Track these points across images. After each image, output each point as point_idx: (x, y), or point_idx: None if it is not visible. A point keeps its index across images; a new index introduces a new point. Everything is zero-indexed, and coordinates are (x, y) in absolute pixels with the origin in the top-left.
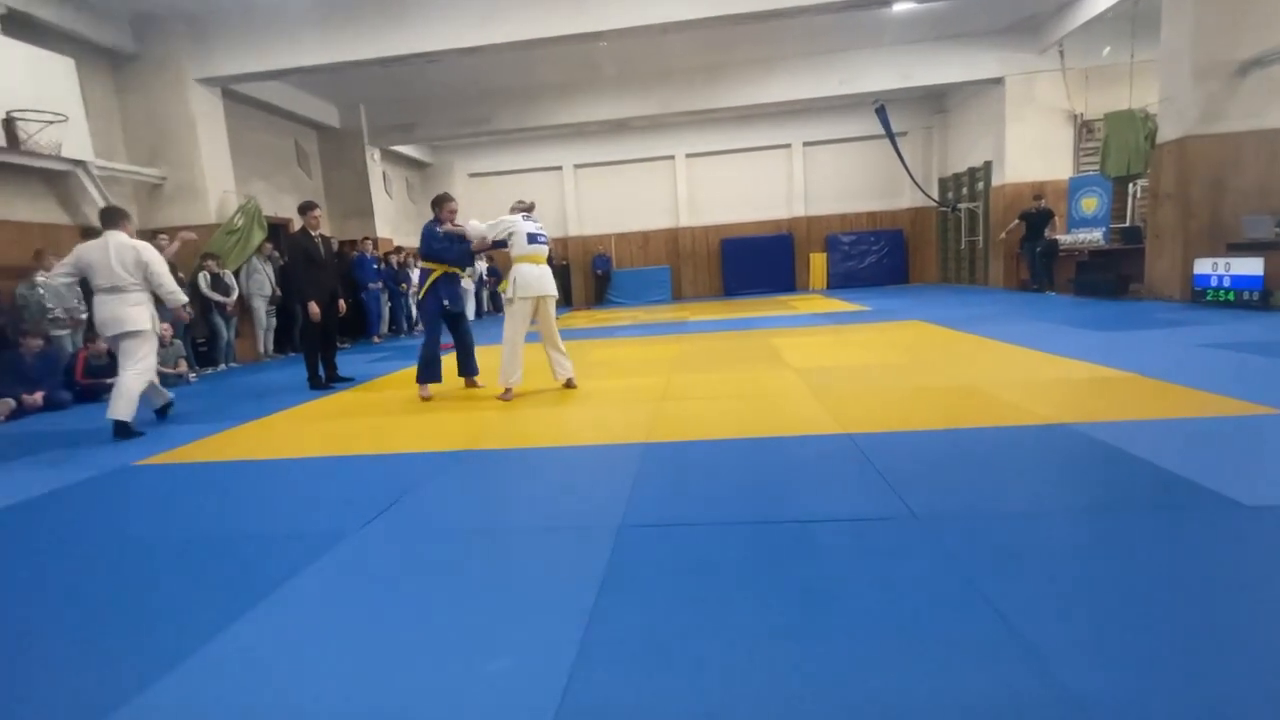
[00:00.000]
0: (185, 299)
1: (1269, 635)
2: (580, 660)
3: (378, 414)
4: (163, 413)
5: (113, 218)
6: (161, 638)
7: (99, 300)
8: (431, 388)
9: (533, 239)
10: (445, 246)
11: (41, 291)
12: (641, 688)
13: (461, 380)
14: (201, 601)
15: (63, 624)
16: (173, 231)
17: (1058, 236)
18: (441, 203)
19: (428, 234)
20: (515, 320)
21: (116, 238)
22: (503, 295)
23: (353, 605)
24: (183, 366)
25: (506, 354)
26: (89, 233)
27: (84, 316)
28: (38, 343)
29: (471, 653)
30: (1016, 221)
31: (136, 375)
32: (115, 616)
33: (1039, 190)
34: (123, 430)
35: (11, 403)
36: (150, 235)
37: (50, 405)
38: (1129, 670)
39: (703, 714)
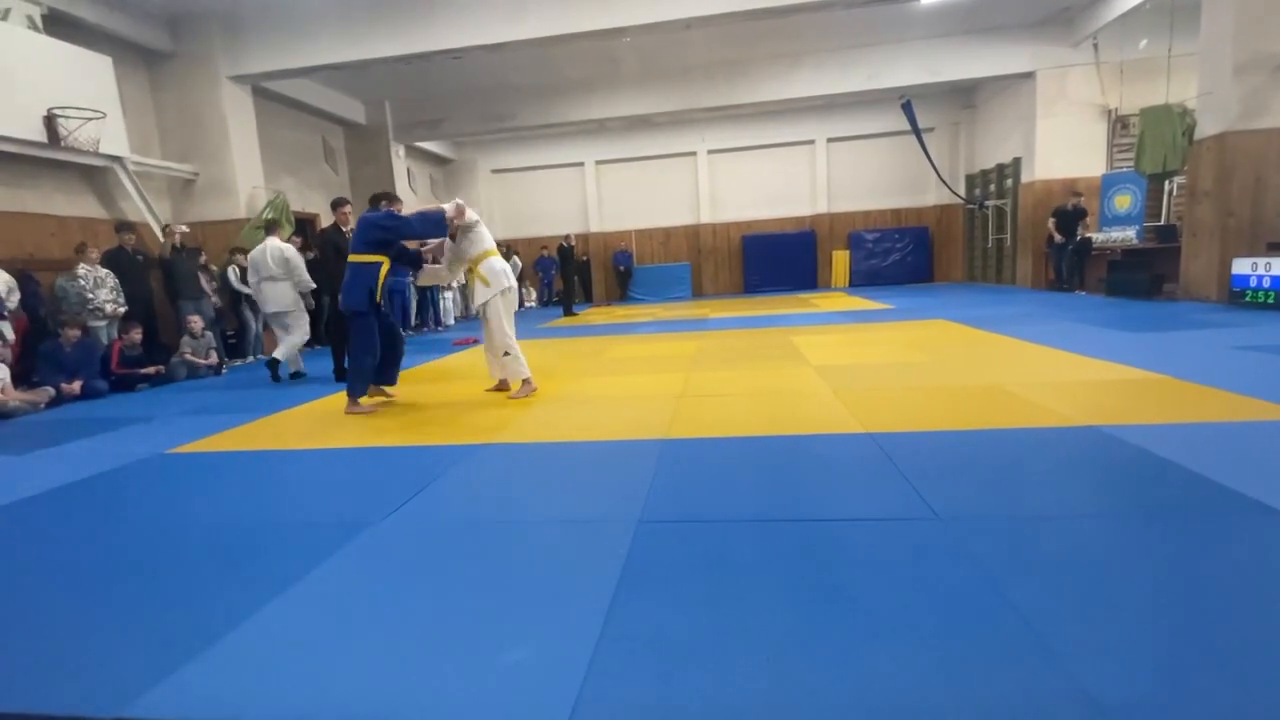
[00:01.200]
0: (313, 286)
1: None
2: (598, 654)
3: (400, 406)
4: (296, 376)
5: (270, 228)
6: (189, 623)
7: (263, 286)
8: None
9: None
10: (397, 231)
11: (82, 283)
12: (659, 684)
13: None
14: (227, 589)
15: (94, 606)
16: (196, 226)
17: (1090, 235)
18: (391, 200)
19: (376, 221)
20: (507, 313)
21: (272, 241)
22: (470, 292)
23: (373, 595)
24: (214, 358)
25: (512, 349)
26: (123, 227)
27: (123, 309)
28: (75, 333)
29: (490, 645)
30: (1053, 220)
31: (298, 338)
32: (146, 600)
33: (1074, 187)
34: (273, 365)
35: (51, 391)
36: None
37: (87, 394)
38: (1153, 677)
39: (720, 711)
